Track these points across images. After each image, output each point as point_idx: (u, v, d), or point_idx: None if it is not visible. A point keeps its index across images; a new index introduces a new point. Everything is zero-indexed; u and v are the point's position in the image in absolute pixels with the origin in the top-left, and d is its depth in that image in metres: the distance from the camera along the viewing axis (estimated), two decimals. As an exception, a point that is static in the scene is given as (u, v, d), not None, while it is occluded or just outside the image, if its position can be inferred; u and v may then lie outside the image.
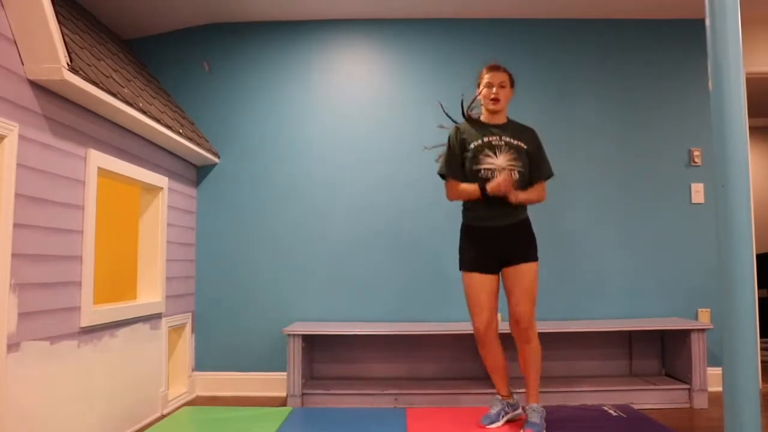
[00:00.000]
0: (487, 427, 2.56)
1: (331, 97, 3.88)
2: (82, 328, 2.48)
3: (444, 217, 3.78)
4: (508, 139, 2.53)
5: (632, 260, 3.77)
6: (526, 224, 2.61)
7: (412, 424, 2.70)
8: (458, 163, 2.58)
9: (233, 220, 3.84)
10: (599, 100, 3.87)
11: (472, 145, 2.53)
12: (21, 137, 2.12)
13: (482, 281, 2.54)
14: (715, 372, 3.48)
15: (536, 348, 2.55)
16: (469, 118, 2.66)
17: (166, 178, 3.34)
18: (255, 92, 3.91)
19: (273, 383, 3.68)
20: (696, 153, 3.82)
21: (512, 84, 2.63)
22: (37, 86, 2.22)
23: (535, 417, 2.51)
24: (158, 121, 2.98)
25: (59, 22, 2.22)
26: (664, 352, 3.65)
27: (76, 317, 2.45)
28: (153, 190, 3.26)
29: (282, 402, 3.42)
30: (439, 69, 3.90)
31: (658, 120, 3.86)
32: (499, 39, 3.91)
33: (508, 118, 2.65)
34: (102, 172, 2.69)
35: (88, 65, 2.47)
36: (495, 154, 2.51)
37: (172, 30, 3.92)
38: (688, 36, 3.85)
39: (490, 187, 2.44)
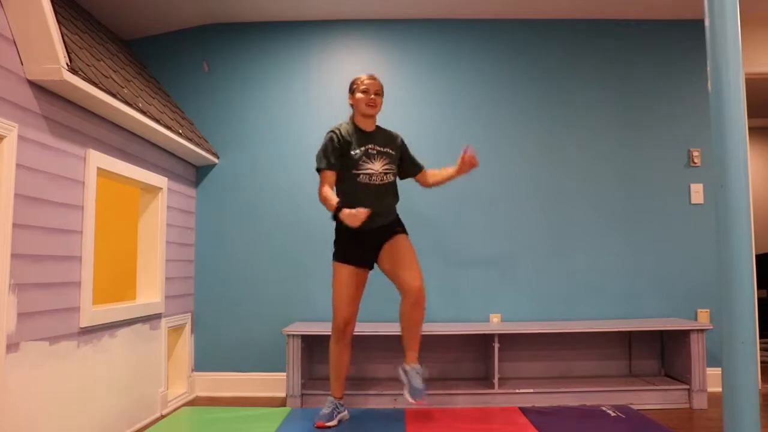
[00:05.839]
0: (326, 424, 2.65)
1: (331, 97, 3.87)
2: (81, 328, 2.48)
3: (443, 214, 3.78)
4: (380, 148, 2.74)
5: (632, 260, 3.77)
6: (397, 218, 2.83)
7: (412, 424, 2.70)
8: (338, 157, 2.67)
9: (232, 220, 3.83)
10: (598, 100, 3.87)
11: (354, 152, 2.67)
12: (20, 137, 2.12)
13: (355, 275, 2.71)
14: (714, 372, 3.48)
15: (424, 309, 2.66)
16: (350, 123, 2.76)
17: (166, 179, 3.34)
18: (255, 92, 3.90)
19: (272, 383, 3.68)
20: (695, 153, 3.82)
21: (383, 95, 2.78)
22: (36, 86, 2.22)
23: (418, 382, 2.60)
24: (158, 121, 2.98)
25: (59, 22, 2.22)
26: (664, 353, 3.65)
27: (75, 317, 2.45)
28: (152, 190, 3.26)
29: (281, 402, 3.41)
30: (438, 69, 3.90)
31: (657, 120, 3.86)
32: (499, 39, 3.91)
33: (376, 125, 2.80)
34: (101, 173, 2.69)
35: (88, 65, 2.47)
36: (372, 160, 2.70)
37: (172, 30, 3.92)
38: (688, 36, 3.85)
39: (343, 214, 2.52)
